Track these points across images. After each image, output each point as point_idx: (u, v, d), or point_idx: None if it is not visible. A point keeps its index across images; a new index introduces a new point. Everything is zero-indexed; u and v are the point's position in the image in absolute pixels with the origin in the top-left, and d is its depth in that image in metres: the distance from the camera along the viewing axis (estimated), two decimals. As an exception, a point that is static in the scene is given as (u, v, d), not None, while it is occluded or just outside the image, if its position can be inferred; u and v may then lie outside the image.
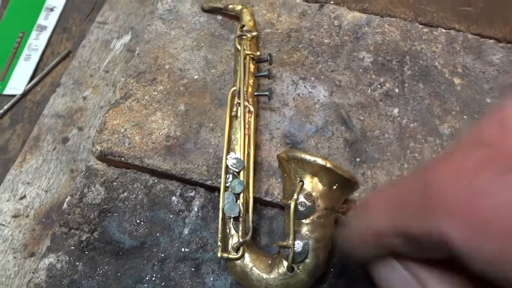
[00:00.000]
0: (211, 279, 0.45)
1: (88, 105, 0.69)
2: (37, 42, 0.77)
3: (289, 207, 0.40)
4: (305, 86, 0.54)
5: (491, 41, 0.59)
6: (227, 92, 0.54)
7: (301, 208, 0.41)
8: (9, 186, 0.62)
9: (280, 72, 0.55)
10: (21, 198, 0.61)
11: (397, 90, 0.55)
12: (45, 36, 0.78)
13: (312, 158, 0.41)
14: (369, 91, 0.54)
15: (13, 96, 0.72)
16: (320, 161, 0.41)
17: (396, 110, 0.54)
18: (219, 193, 0.49)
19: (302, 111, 0.53)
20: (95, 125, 0.66)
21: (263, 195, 0.48)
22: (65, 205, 0.50)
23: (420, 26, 0.59)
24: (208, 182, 0.49)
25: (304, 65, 0.56)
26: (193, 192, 0.49)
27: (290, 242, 0.40)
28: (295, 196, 0.40)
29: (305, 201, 0.41)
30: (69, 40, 0.78)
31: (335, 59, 0.56)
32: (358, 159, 0.51)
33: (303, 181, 0.41)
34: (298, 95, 0.54)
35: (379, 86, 0.55)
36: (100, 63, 0.73)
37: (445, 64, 0.57)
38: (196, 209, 0.48)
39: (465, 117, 0.54)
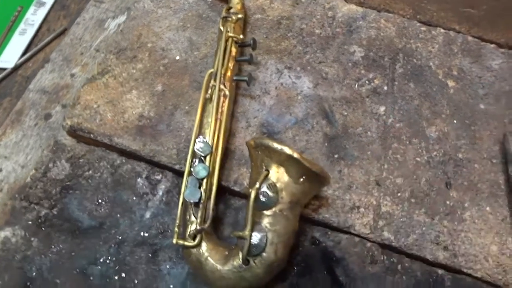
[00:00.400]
0: (167, 266, 0.43)
1: (75, 83, 0.67)
2: (34, 18, 0.76)
3: (249, 196, 0.38)
4: (289, 76, 0.52)
5: (492, 45, 0.55)
6: (207, 76, 0.52)
7: (262, 198, 0.38)
8: (-15, 159, 0.60)
9: (265, 60, 0.53)
10: (-3, 172, 0.60)
11: (385, 88, 0.52)
12: (42, 12, 0.76)
13: (279, 147, 0.38)
14: (356, 86, 0.52)
15: (4, 69, 0.71)
16: (287, 150, 0.38)
17: (382, 108, 0.51)
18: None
19: (283, 101, 0.51)
20: (80, 103, 0.64)
21: (232, 184, 0.46)
22: (28, 179, 0.48)
23: (418, 24, 0.56)
24: (177, 166, 0.47)
25: (291, 54, 0.53)
26: (160, 175, 0.47)
27: (247, 233, 0.37)
28: (257, 185, 0.38)
29: (268, 191, 0.38)
30: (66, 17, 0.77)
31: (324, 50, 0.54)
32: (336, 156, 0.48)
33: (268, 171, 0.39)
34: (281, 84, 0.52)
35: (367, 82, 0.52)
36: (92, 42, 0.71)
37: (440, 65, 0.54)
38: (161, 193, 0.46)
39: (455, 121, 0.51)
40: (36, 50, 0.71)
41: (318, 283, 0.43)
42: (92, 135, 0.48)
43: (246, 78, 0.47)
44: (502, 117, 0.51)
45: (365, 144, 0.49)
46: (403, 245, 0.44)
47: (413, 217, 0.45)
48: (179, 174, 0.48)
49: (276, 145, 0.38)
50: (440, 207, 0.46)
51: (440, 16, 0.57)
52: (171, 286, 0.42)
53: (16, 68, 0.70)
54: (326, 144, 0.48)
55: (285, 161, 0.38)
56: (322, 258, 0.44)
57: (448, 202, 0.46)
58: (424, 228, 0.45)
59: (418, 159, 0.48)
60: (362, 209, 0.45)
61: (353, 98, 0.51)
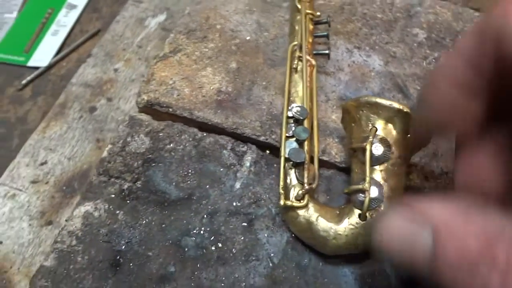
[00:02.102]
0: (265, 235, 0.41)
1: (119, 77, 0.66)
2: (66, 20, 0.76)
3: (363, 150, 0.38)
4: (360, 55, 0.53)
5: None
6: (281, 54, 0.52)
7: (376, 153, 0.38)
8: (30, 151, 0.58)
9: (335, 40, 0.54)
10: (42, 164, 0.57)
11: (451, 66, 0.54)
12: (74, 14, 0.76)
13: (388, 102, 0.38)
14: (424, 63, 0.53)
15: (37, 68, 0.70)
16: (396, 105, 0.38)
17: (452, 84, 0.52)
18: (271, 152, 0.47)
19: (357, 77, 0.51)
20: (126, 97, 0.63)
21: (320, 154, 0.46)
22: (105, 153, 0.46)
23: (471, 10, 0.59)
24: (262, 138, 0.46)
25: (358, 35, 0.55)
26: (245, 147, 0.46)
27: (367, 185, 0.37)
28: (370, 139, 0.38)
29: (381, 145, 0.38)
30: (99, 19, 0.77)
31: (389, 32, 0.56)
32: (417, 127, 0.48)
33: (376, 127, 0.39)
34: (353, 62, 0.53)
35: (434, 60, 0.54)
36: (134, 38, 0.71)
37: (497, 46, 0.56)
38: (248, 164, 0.45)
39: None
40: (70, 50, 0.71)
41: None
42: (171, 109, 0.47)
43: (327, 51, 0.48)
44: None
45: (442, 116, 0.49)
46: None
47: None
48: (264, 146, 0.47)
49: (385, 101, 0.39)
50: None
51: (489, 3, 0.61)
52: (272, 254, 0.41)
53: (50, 67, 0.68)
54: (405, 116, 0.49)
55: (394, 116, 0.39)
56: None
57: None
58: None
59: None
60: (450, 175, 0.46)
61: (424, 74, 0.52)
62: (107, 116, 0.62)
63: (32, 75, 0.68)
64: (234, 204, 0.43)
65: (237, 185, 0.44)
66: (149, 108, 0.48)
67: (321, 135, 0.47)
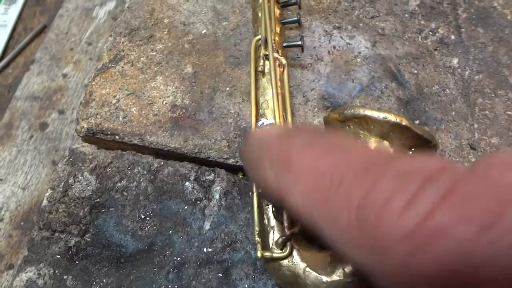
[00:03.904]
0: (246, 286, 0.34)
1: (69, 84, 0.58)
2: (5, 17, 0.66)
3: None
4: (341, 37, 0.44)
5: (555, -24, 0.49)
6: (245, 48, 0.43)
7: (370, 183, 0.30)
8: (-24, 185, 0.50)
9: (309, 22, 0.44)
10: (-8, 199, 0.50)
11: (453, 37, 0.44)
12: (15, 10, 0.66)
13: (381, 115, 0.30)
14: (419, 39, 0.44)
15: (-22, 80, 0.60)
16: (392, 118, 0.30)
17: (455, 60, 0.43)
18: (245, 174, 0.39)
19: (340, 67, 0.42)
20: (79, 106, 0.54)
21: (303, 173, 0.38)
22: (45, 201, 0.38)
23: (470, -38, 0.49)
24: (231, 161, 0.38)
25: (337, 11, 0.45)
26: (212, 174, 0.38)
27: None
28: (361, 167, 0.29)
29: (375, 172, 0.30)
30: (43, 13, 0.67)
31: (374, 3, 0.46)
32: (417, 121, 0.40)
33: (367, 147, 0.31)
34: (334, 47, 0.43)
35: (430, 33, 0.44)
36: (81, 35, 0.62)
37: (506, 4, 0.47)
38: (217, 196, 0.37)
39: (539, 65, 0.44)
40: (14, 54, 0.61)
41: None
42: (117, 137, 0.39)
43: (300, 42, 0.39)
44: None
45: (446, 104, 0.41)
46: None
47: (521, 181, 0.38)
48: (234, 170, 0.39)
49: (376, 114, 0.30)
50: (548, 165, 0.39)
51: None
52: (256, 309, 0.34)
53: (-6, 77, 0.59)
54: (402, 109, 0.40)
55: (390, 132, 0.30)
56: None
57: (554, 158, 0.39)
58: (536, 192, 0.38)
59: (509, 112, 0.41)
60: (462, 180, 0.38)
61: (420, 53, 0.43)
62: (61, 132, 0.54)
63: (-27, 90, 0.59)
64: (205, 250, 0.35)
65: (207, 225, 0.36)
66: (92, 137, 0.40)
67: (303, 148, 0.38)
